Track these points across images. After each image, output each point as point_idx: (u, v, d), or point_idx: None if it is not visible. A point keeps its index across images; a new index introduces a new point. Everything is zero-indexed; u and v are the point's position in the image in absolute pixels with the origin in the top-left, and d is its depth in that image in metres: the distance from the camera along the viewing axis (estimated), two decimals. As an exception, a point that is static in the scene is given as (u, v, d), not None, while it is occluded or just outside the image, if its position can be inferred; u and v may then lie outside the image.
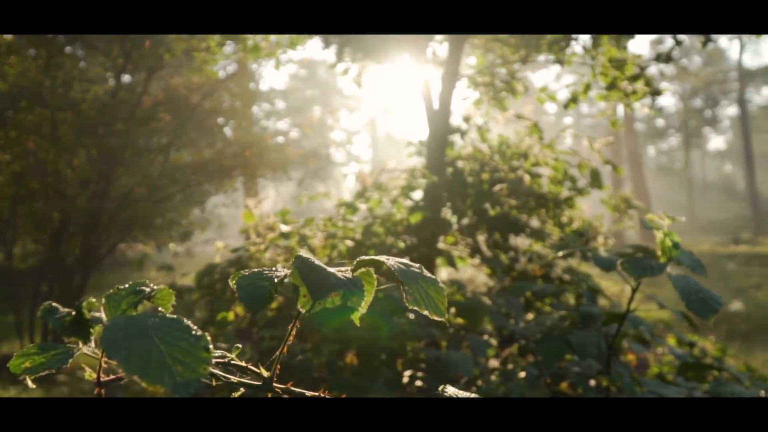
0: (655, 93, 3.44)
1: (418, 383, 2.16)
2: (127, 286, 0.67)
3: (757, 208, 31.57)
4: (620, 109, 3.73)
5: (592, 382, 2.01)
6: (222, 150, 11.20)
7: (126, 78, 10.17)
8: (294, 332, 0.79)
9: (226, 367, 0.74)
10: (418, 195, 3.77)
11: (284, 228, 2.72)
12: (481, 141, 4.31)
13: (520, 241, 4.18)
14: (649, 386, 1.84)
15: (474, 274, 4.82)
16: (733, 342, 10.38)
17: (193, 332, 0.54)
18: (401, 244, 2.88)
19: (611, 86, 3.53)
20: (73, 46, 10.60)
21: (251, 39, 4.09)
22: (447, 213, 3.50)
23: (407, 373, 2.28)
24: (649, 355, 3.47)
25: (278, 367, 0.77)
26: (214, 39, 5.07)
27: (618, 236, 24.32)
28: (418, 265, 0.87)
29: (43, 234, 8.90)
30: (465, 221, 3.54)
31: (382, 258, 0.83)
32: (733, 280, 14.99)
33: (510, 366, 2.54)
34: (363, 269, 0.85)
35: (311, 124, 11.22)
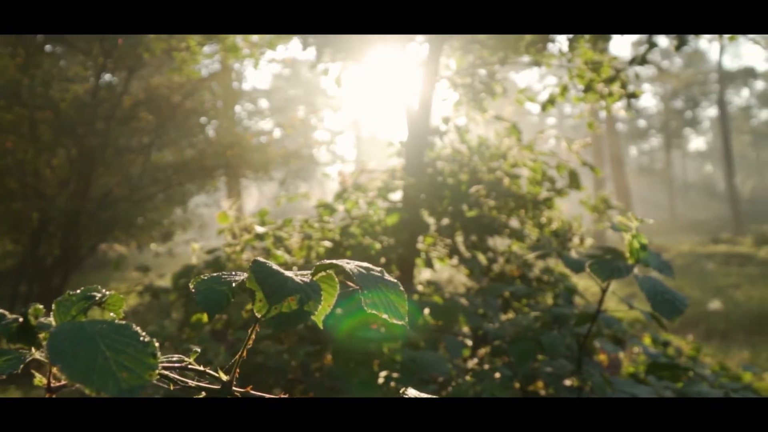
0: (631, 95, 3.48)
1: (393, 384, 2.17)
2: (78, 291, 0.67)
3: (736, 208, 31.97)
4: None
5: (568, 382, 2.03)
6: (204, 150, 11.14)
7: (107, 77, 10.08)
8: (254, 336, 0.80)
9: (183, 371, 0.74)
10: (398, 196, 3.78)
11: (259, 229, 2.72)
12: (460, 142, 4.33)
13: (500, 242, 4.21)
14: (619, 386, 1.86)
15: (453, 274, 4.84)
16: (711, 341, 10.52)
17: (141, 338, 0.54)
18: (378, 246, 2.88)
19: (587, 88, 3.56)
20: (53, 44, 10.50)
21: (230, 39, 4.08)
22: (425, 214, 3.52)
23: (383, 373, 2.29)
24: (625, 354, 3.52)
25: (237, 371, 0.78)
26: (194, 39, 5.05)
27: (599, 236, 24.52)
28: (379, 269, 0.88)
29: (22, 234, 8.81)
30: (444, 222, 3.55)
31: (342, 262, 0.84)
32: (712, 280, 15.18)
33: (486, 366, 2.55)
34: (323, 273, 0.85)
35: (293, 124, 11.16)
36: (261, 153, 10.06)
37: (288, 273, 0.77)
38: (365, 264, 0.88)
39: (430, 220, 3.53)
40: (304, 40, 3.85)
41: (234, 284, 0.76)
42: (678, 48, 3.11)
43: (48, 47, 10.29)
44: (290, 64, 42.62)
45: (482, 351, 2.59)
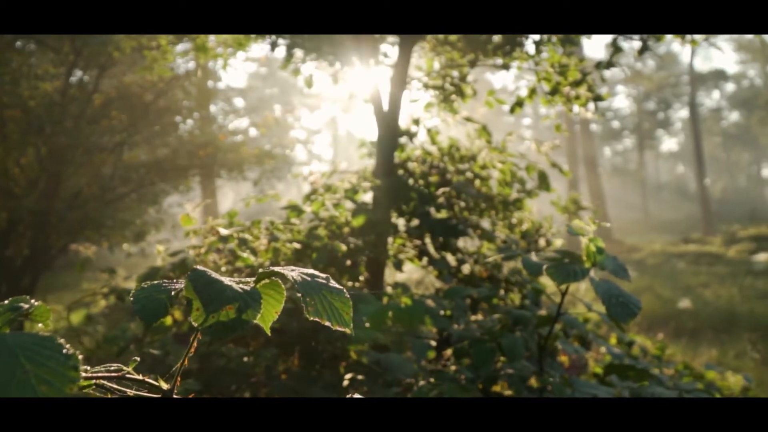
0: (597, 98, 3.52)
1: (357, 386, 2.17)
2: (6, 302, 0.66)
3: (707, 208, 32.52)
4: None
5: (534, 383, 2.05)
6: (177, 149, 11.05)
7: (77, 75, 9.94)
8: (195, 344, 0.79)
9: (120, 381, 0.73)
10: (369, 197, 3.78)
11: (223, 231, 2.70)
12: (431, 143, 4.35)
13: (471, 243, 4.23)
14: (580, 387, 1.88)
15: (425, 275, 4.85)
16: (680, 339, 10.69)
17: (64, 351, 0.54)
18: (343, 248, 2.88)
19: (554, 91, 3.59)
20: (23, 41, 10.32)
21: (200, 38, 4.05)
22: (394, 215, 3.53)
23: (348, 376, 2.29)
24: (592, 354, 3.56)
25: (179, 379, 0.77)
26: (165, 38, 5.00)
27: (572, 237, 24.73)
28: (325, 275, 0.88)
29: (-10, 234, 8.65)
30: (414, 223, 3.56)
31: (286, 269, 0.84)
32: (682, 279, 15.42)
33: (453, 368, 2.57)
34: (267, 280, 0.85)
35: (266, 123, 11.10)
36: (235, 153, 10.00)
37: (228, 281, 0.77)
38: (310, 270, 0.88)
39: (400, 222, 3.54)
40: (274, 41, 3.83)
41: (173, 292, 0.76)
42: (641, 53, 3.16)
43: (18, 44, 10.11)
44: (266, 62, 42.39)
45: (449, 352, 2.61)
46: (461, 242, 4.07)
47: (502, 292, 3.62)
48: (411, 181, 4.12)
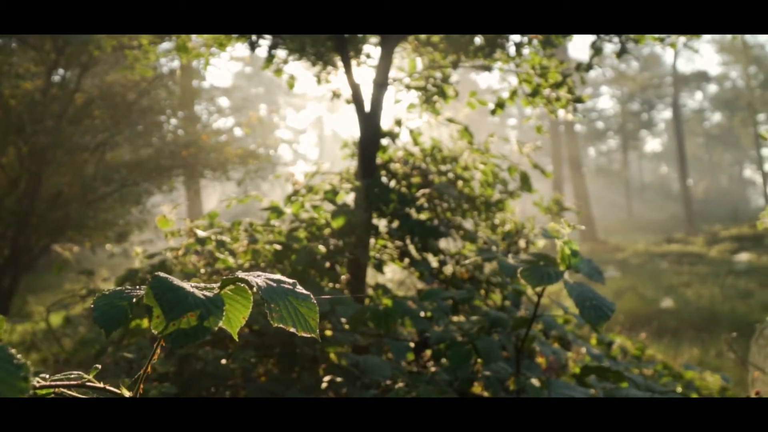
0: (577, 100, 3.54)
1: (335, 388, 2.17)
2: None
3: (689, 208, 32.82)
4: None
5: (511, 385, 2.06)
6: (160, 149, 10.97)
7: (59, 74, 9.84)
8: (158, 350, 0.79)
9: (82, 388, 0.73)
10: (352, 198, 3.78)
11: (200, 233, 2.68)
12: (413, 144, 4.35)
13: (454, 244, 4.24)
14: (556, 388, 1.89)
15: (407, 276, 4.85)
16: (663, 338, 10.78)
17: (14, 361, 0.53)
18: (322, 249, 2.88)
19: (534, 93, 3.61)
20: (4, 39, 10.20)
21: (181, 38, 4.02)
22: (376, 216, 3.52)
23: (327, 378, 2.29)
24: (572, 355, 3.58)
25: (141, 387, 0.77)
26: (146, 37, 4.96)
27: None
28: (292, 281, 0.88)
29: (-30, 235, 8.55)
30: (395, 225, 3.56)
31: (251, 275, 0.83)
32: (664, 278, 15.56)
33: (434, 369, 2.57)
34: (232, 286, 0.85)
35: (250, 123, 11.05)
36: (218, 153, 9.95)
37: (190, 287, 0.77)
38: (277, 276, 0.87)
39: (381, 223, 3.54)
40: (254, 41, 3.81)
41: (135, 299, 0.75)
42: (619, 55, 3.19)
43: (-1, 42, 10.00)
44: (251, 62, 42.24)
45: (428, 354, 2.61)
46: (443, 243, 4.08)
47: (483, 293, 3.63)
48: (394, 183, 4.12)
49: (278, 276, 0.88)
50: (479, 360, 2.01)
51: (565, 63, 3.58)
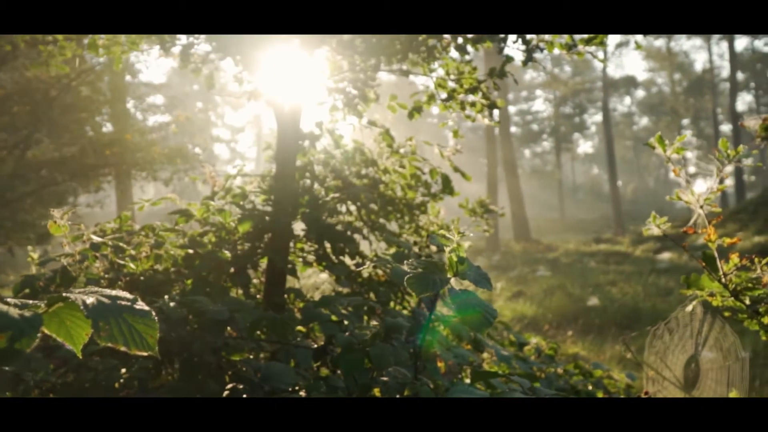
0: (492, 106, 3.61)
1: (238, 396, 2.13)
2: None
3: (618, 208, 33.99)
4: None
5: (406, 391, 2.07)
6: (84, 147, 10.59)
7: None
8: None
9: None
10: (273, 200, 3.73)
11: (95, 239, 2.60)
12: (335, 147, 4.34)
13: (376, 246, 4.25)
14: (455, 392, 1.92)
15: (326, 280, 4.84)
16: (588, 335, 11.12)
17: None
18: (227, 255, 2.83)
19: (449, 98, 3.66)
20: None
21: (91, 37, 3.88)
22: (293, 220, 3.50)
23: (229, 386, 2.25)
24: (486, 356, 3.64)
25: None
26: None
27: (491, 239, 25.30)
28: (131, 297, 0.85)
29: None
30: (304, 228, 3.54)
31: (80, 293, 0.81)
32: (592, 277, 16.05)
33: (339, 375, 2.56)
34: (61, 304, 0.82)
35: (179, 122, 10.80)
36: (144, 152, 9.68)
37: (7, 306, 0.73)
38: (113, 292, 0.85)
39: (298, 227, 3.51)
40: (167, 42, 3.72)
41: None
42: (525, 63, 3.27)
43: None
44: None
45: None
46: (365, 246, 4.09)
47: (400, 295, 3.65)
48: (317, 185, 4.10)
49: (116, 292, 0.85)
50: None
51: (476, 69, 3.65)
